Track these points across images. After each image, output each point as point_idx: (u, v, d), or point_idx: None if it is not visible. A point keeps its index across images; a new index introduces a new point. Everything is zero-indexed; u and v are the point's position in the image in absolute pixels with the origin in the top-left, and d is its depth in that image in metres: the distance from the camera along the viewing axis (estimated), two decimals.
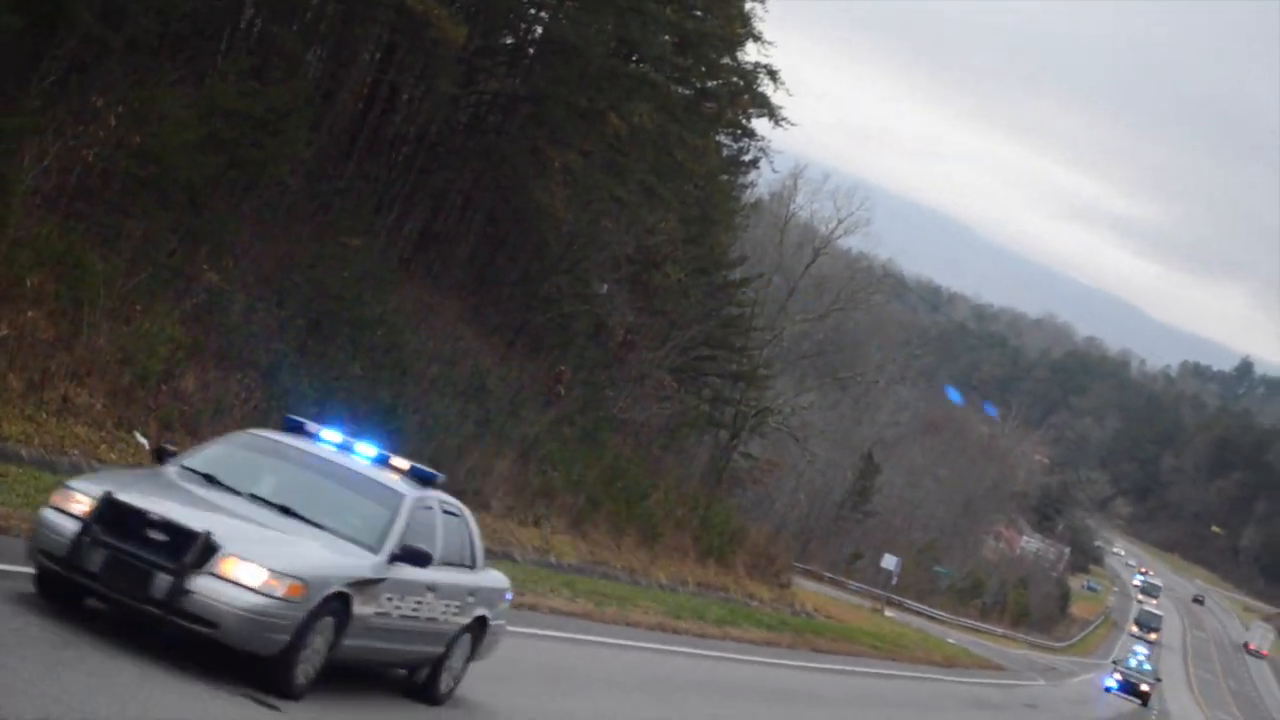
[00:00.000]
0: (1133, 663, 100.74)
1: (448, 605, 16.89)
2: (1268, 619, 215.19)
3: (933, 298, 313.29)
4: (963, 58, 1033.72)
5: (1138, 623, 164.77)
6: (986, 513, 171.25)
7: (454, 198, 50.61)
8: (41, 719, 11.02)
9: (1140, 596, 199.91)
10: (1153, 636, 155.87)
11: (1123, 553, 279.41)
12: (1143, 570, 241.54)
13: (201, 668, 14.12)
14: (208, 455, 16.28)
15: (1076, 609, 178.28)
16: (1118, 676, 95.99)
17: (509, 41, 50.41)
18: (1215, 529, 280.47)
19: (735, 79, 57.35)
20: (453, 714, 16.89)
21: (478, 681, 19.14)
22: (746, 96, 59.01)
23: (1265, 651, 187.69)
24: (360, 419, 34.24)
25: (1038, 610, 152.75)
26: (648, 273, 57.17)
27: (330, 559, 14.96)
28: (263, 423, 29.45)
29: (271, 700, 14.05)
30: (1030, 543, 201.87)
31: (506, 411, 43.51)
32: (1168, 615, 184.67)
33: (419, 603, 16.16)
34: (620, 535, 48.30)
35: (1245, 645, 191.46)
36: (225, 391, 29.11)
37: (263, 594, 13.92)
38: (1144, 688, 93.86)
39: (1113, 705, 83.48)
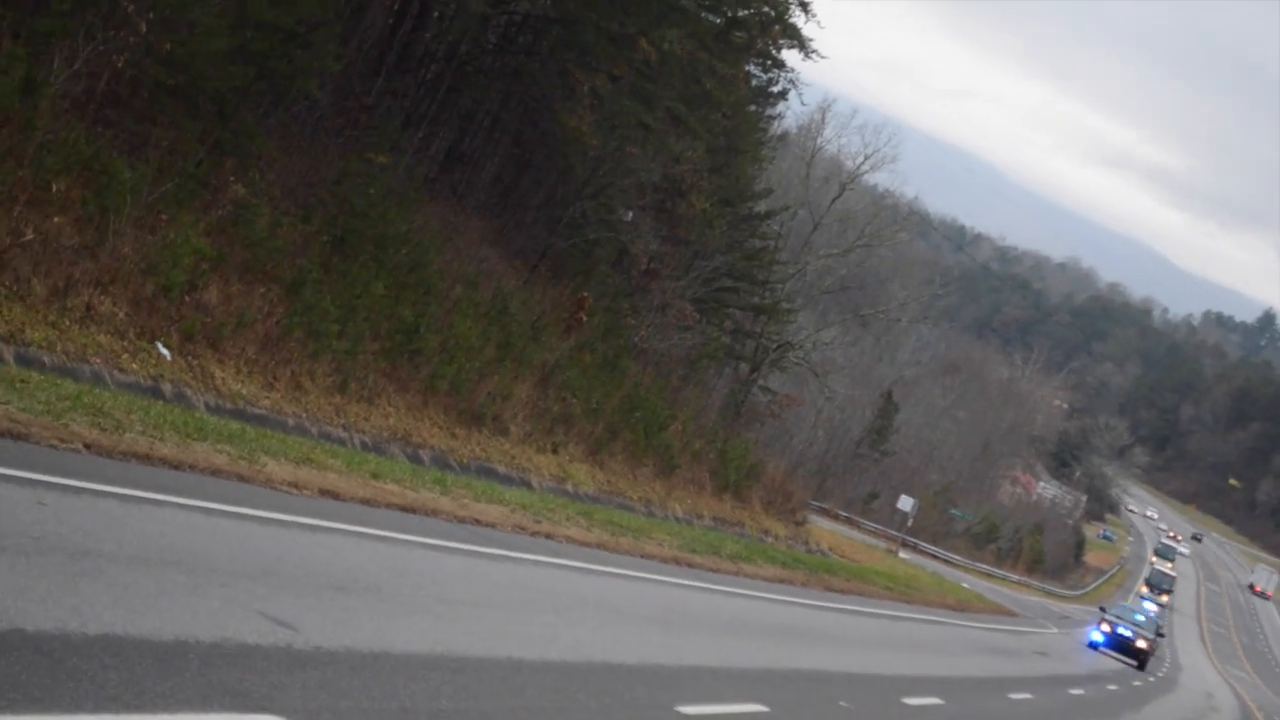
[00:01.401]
0: (1136, 618, 78.82)
1: None
2: None
3: (957, 237, 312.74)
4: None
5: (1149, 583, 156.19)
6: (1004, 456, 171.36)
7: (481, 118, 50.34)
8: (59, 631, 10.86)
9: (1153, 558, 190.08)
10: (1164, 599, 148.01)
11: (1155, 515, 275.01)
12: (1172, 535, 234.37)
13: (220, 585, 13.98)
14: None
15: (1091, 558, 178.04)
16: (1105, 628, 75.80)
17: None
18: (1233, 482, 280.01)
19: (766, 8, 56.84)
20: (464, 636, 16.70)
21: (488, 609, 19.03)
22: (777, 27, 58.53)
23: (1270, 593, 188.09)
24: (381, 337, 34.14)
25: (1052, 557, 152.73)
26: (673, 201, 56.88)
27: None
28: (284, 340, 29.35)
29: (287, 620, 13.89)
30: (1047, 488, 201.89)
31: (528, 336, 43.35)
32: (1184, 580, 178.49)
33: None
34: (637, 465, 48.17)
35: (1251, 586, 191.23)
36: (248, 305, 28.94)
37: None
38: (1140, 644, 73.88)
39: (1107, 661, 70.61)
